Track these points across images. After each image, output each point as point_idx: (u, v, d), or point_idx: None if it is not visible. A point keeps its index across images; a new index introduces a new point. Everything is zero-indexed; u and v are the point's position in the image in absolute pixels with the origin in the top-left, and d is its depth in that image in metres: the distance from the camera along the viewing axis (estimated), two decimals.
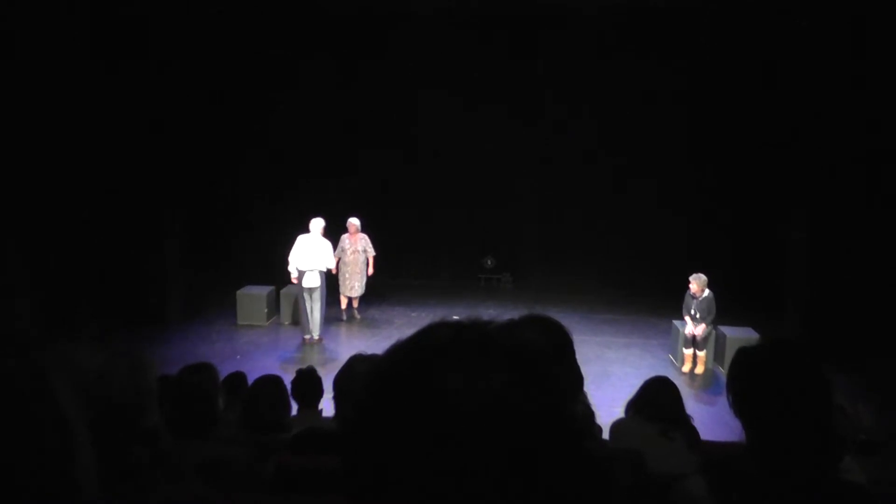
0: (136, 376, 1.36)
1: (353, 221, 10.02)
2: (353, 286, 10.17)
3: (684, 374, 8.63)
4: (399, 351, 0.70)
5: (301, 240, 9.13)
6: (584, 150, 12.03)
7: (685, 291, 8.74)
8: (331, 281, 10.02)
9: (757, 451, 1.50)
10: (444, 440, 0.61)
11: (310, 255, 9.06)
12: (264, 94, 11.68)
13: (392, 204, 12.46)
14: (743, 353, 1.59)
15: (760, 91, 10.55)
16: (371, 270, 10.28)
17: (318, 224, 9.15)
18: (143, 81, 9.22)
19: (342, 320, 10.40)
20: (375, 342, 9.23)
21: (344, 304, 10.43)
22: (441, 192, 12.46)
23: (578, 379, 1.82)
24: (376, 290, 11.50)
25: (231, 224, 12.08)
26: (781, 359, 1.53)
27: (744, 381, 1.54)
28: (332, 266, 9.42)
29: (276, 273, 10.76)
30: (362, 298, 10.62)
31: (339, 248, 10.02)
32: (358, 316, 10.45)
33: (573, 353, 1.77)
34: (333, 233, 9.79)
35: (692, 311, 8.67)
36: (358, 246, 10.07)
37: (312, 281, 9.11)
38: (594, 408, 3.90)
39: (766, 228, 10.97)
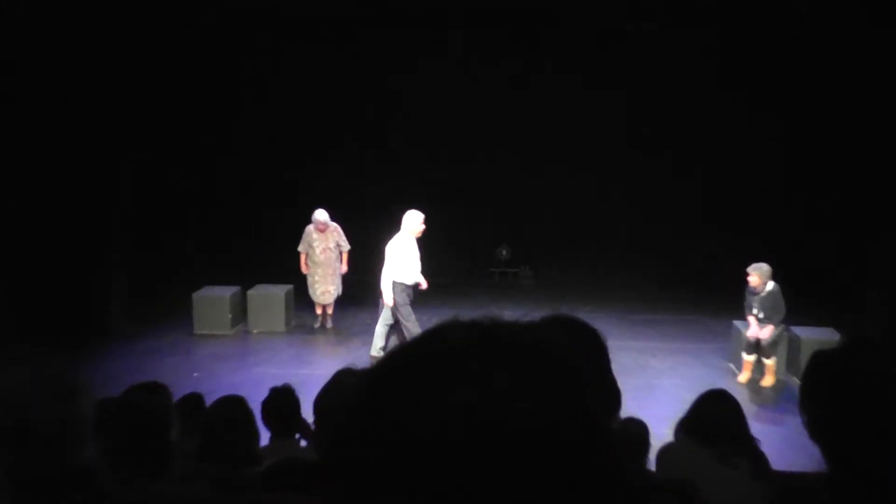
0: (63, 401, 1.36)
1: (320, 216, 10.02)
2: (327, 290, 10.21)
3: (742, 384, 8.68)
4: (398, 357, 0.68)
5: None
6: (618, 119, 12.05)
7: (745, 286, 8.74)
8: (301, 284, 10.34)
9: (840, 481, 1.49)
10: (452, 467, 0.60)
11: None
12: (226, 79, 11.93)
13: (384, 188, 12.50)
14: (819, 359, 1.57)
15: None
16: (345, 268, 10.32)
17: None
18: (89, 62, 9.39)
19: (319, 328, 10.50)
20: (367, 353, 9.25)
21: (319, 310, 10.47)
22: (445, 172, 12.48)
23: (615, 395, 1.81)
24: (368, 290, 11.53)
25: (186, 216, 12.16)
26: (867, 364, 1.52)
27: (820, 393, 1.52)
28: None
29: (241, 271, 10.83)
30: (346, 300, 10.65)
31: (304, 244, 10.13)
32: (330, 324, 10.52)
33: (608, 362, 1.76)
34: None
35: (754, 310, 8.67)
36: (329, 242, 10.12)
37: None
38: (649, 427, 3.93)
39: (845, 208, 10.98)
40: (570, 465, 0.63)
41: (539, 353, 0.67)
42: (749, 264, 8.70)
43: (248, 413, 4.01)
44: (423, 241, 12.84)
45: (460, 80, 12.17)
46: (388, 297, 8.78)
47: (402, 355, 0.69)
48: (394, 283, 8.75)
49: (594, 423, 0.66)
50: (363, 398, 0.67)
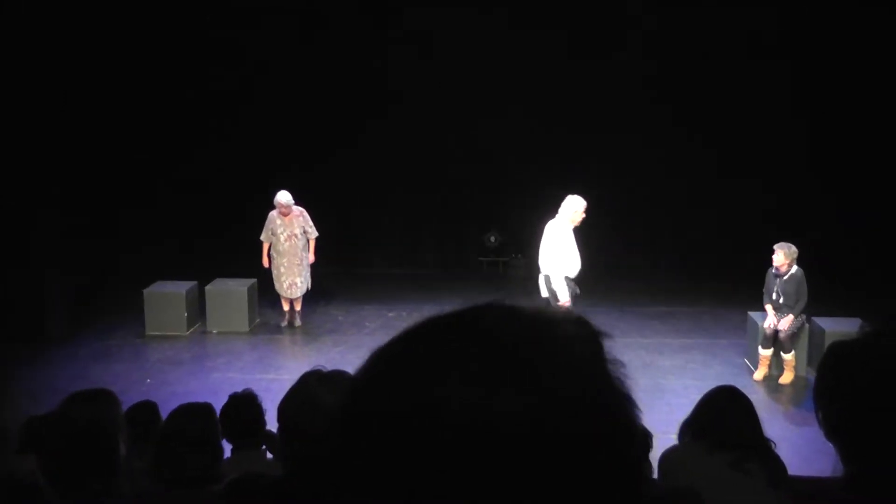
0: None
1: (283, 197, 10.00)
2: (294, 283, 10.19)
3: (758, 382, 8.75)
4: (394, 348, 0.68)
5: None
6: (629, 82, 12.01)
7: (767, 269, 8.81)
8: (265, 279, 10.33)
9: (859, 486, 1.50)
10: (449, 483, 0.60)
11: None
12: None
13: (360, 169, 12.49)
14: (837, 350, 1.57)
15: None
16: (313, 257, 10.33)
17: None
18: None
19: (286, 326, 10.50)
20: (339, 354, 9.26)
21: (286, 306, 10.48)
22: (424, 149, 12.44)
23: None
24: (337, 283, 11.51)
25: (134, 202, 12.09)
26: (891, 356, 1.52)
27: (838, 387, 1.53)
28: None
29: (198, 264, 10.77)
30: (316, 294, 10.66)
31: (266, 232, 10.15)
32: (298, 322, 10.51)
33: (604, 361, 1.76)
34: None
35: (774, 295, 8.73)
36: (295, 228, 10.09)
37: None
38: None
39: (878, 187, 11.08)
40: (591, 474, 0.63)
41: (549, 350, 0.67)
42: (770, 251, 8.75)
43: (213, 424, 3.98)
44: (404, 230, 12.89)
45: (446, 59, 12.09)
46: (561, 294, 8.39)
47: (397, 349, 0.67)
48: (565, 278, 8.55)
49: (610, 430, 0.67)
50: (351, 402, 0.66)
